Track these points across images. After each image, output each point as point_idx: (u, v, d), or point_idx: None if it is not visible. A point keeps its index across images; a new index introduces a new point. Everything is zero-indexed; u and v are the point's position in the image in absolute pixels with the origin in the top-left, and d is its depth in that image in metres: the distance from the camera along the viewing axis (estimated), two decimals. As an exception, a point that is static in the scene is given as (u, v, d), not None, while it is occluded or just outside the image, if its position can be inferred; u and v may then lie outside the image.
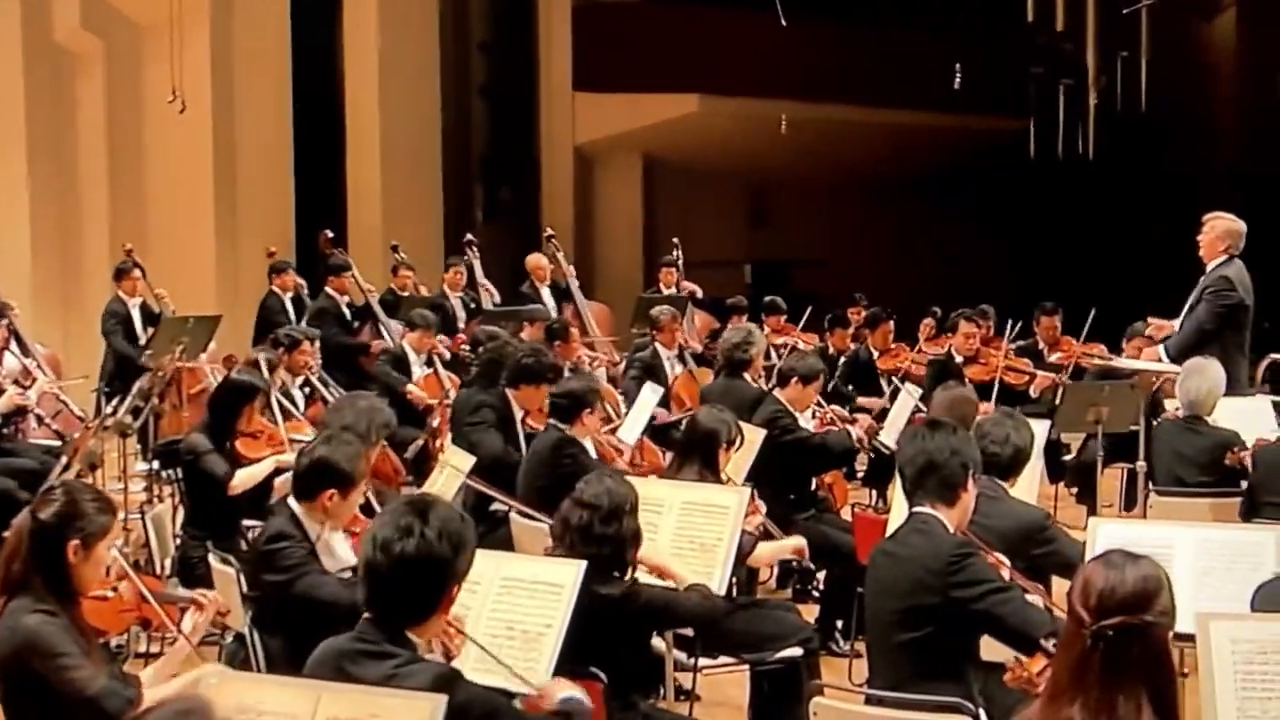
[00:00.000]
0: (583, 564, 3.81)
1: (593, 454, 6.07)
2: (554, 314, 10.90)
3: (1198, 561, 4.12)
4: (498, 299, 11.53)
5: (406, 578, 2.92)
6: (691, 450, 5.32)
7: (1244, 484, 5.89)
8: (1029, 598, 3.84)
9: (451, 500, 5.67)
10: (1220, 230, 7.78)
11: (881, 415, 8.21)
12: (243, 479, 5.90)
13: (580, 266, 12.98)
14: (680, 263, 12.36)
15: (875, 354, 10.06)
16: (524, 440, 6.55)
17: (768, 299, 11.63)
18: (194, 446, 5.99)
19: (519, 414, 6.52)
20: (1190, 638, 3.18)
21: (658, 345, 9.39)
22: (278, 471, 5.91)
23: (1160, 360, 7.59)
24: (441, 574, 2.95)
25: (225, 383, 6.43)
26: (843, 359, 10.32)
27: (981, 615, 3.69)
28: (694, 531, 4.71)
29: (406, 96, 14.38)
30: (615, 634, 3.97)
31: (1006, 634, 3.72)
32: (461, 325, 10.78)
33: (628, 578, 4.09)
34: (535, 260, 11.68)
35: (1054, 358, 9.79)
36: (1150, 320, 8.13)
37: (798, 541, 5.38)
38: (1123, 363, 8.32)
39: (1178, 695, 2.66)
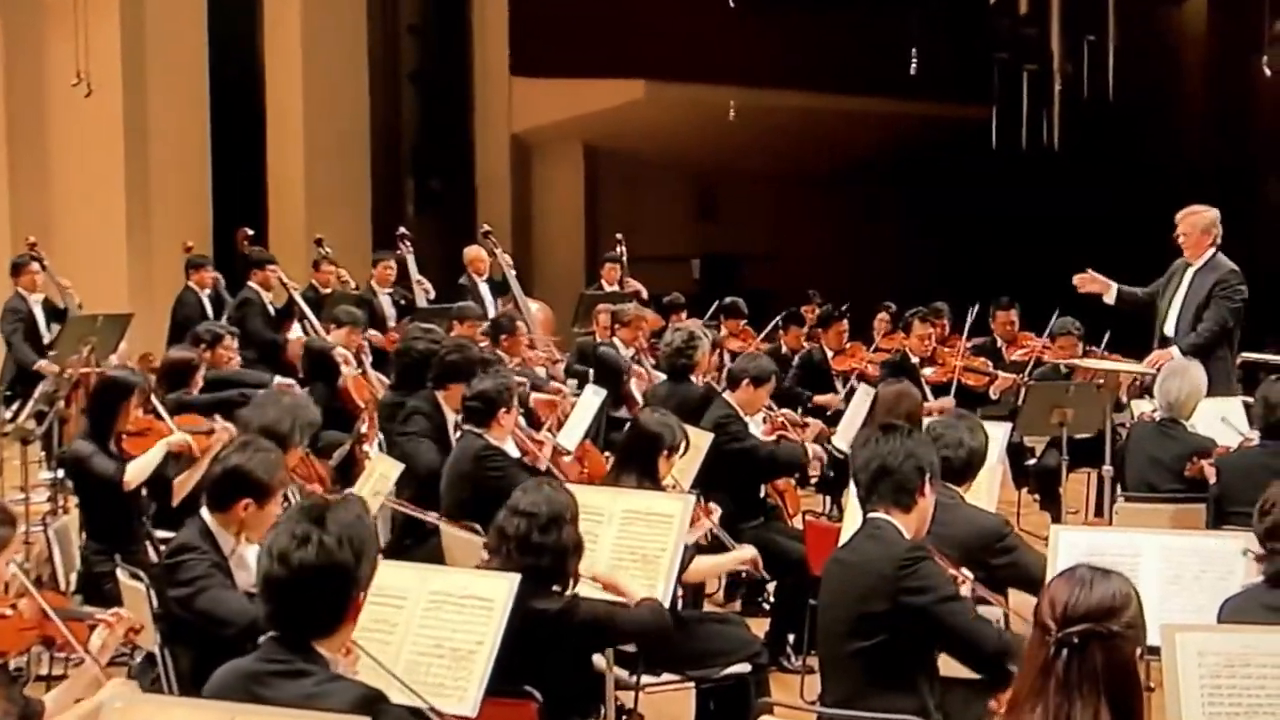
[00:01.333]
0: (516, 577, 3.79)
1: (514, 453, 6.04)
2: (491, 311, 10.86)
3: (1165, 570, 4.15)
4: (433, 296, 11.48)
5: (309, 590, 2.89)
6: (632, 455, 5.30)
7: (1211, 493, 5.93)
8: (985, 609, 3.86)
9: (378, 510, 5.68)
10: (1204, 224, 7.88)
11: (838, 415, 8.25)
12: (135, 471, 5.81)
13: (518, 263, 12.93)
14: (624, 259, 12.35)
15: (829, 354, 10.09)
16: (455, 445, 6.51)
17: (728, 300, 11.60)
18: (77, 452, 5.91)
19: (450, 416, 6.48)
20: (1156, 650, 3.20)
21: (618, 341, 9.41)
22: (176, 461, 5.86)
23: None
24: (345, 581, 2.92)
25: (100, 382, 6.36)
26: (796, 359, 10.35)
27: (928, 622, 3.71)
28: (635, 541, 4.68)
29: (331, 82, 14.28)
30: (552, 651, 3.95)
31: (953, 644, 3.75)
32: (392, 324, 10.71)
33: (568, 591, 4.07)
34: (474, 251, 11.63)
35: (1015, 355, 9.87)
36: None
37: (745, 552, 5.38)
38: (1092, 363, 8.40)
39: (1142, 711, 2.68)
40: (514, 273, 11.63)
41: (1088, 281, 8.10)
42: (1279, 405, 5.70)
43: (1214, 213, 7.93)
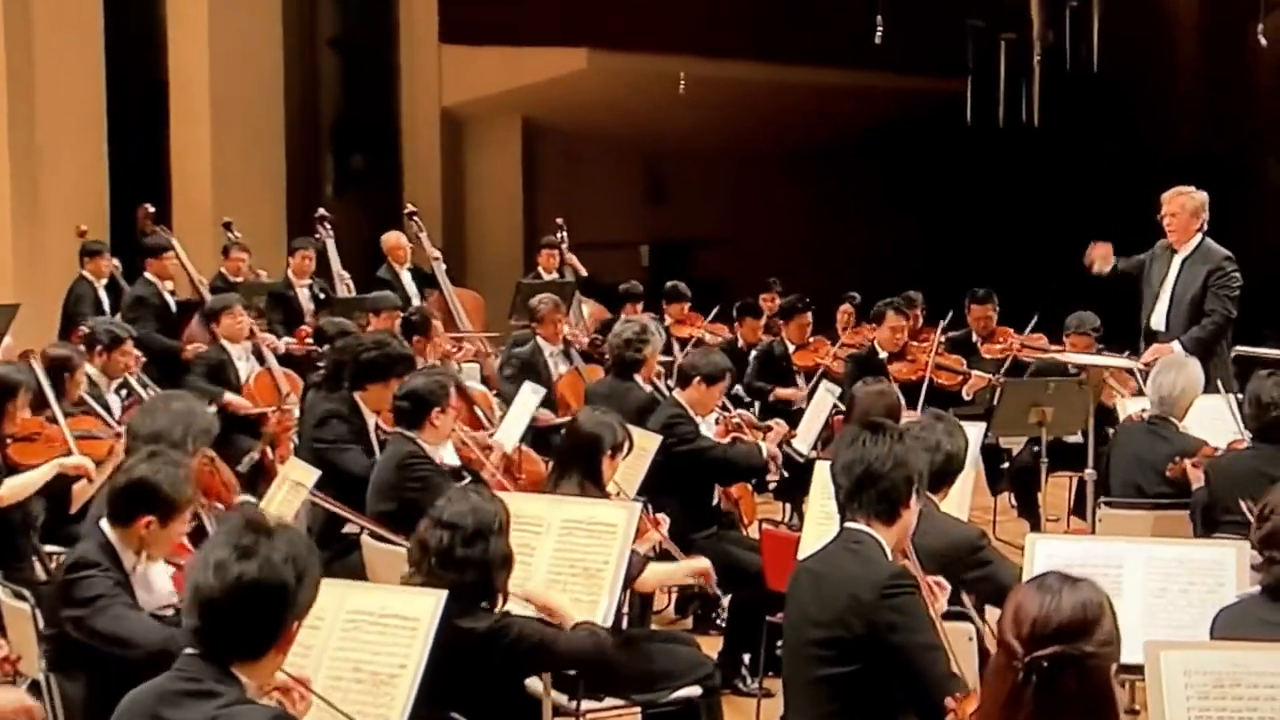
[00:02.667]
0: (442, 594, 3.77)
1: (453, 459, 6.01)
2: (415, 302, 10.81)
3: (1150, 582, 4.19)
4: (353, 293, 11.42)
5: (243, 605, 2.89)
6: (571, 459, 5.30)
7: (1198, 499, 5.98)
8: (956, 625, 3.87)
9: (292, 521, 5.64)
10: (1194, 206, 7.97)
11: (800, 415, 8.27)
12: (13, 488, 5.72)
13: (449, 248, 12.91)
14: (565, 244, 12.34)
15: (791, 348, 10.12)
16: (379, 449, 6.48)
17: (669, 284, 11.67)
18: (-50, 462, 5.82)
19: (370, 419, 6.45)
20: (1139, 669, 3.22)
21: (539, 339, 9.35)
22: (67, 479, 5.78)
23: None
24: (283, 603, 2.93)
25: None
26: (754, 353, 10.37)
27: (898, 662, 3.69)
28: (576, 553, 4.69)
29: (242, 49, 14.16)
30: (481, 674, 3.94)
31: (913, 692, 3.70)
32: (310, 319, 10.64)
33: (497, 609, 4.06)
34: (393, 239, 11.57)
35: (993, 350, 9.92)
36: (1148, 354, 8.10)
37: (698, 564, 5.38)
38: (1073, 357, 8.45)
39: (1122, 735, 2.70)
40: (441, 261, 11.59)
41: (1097, 253, 8.18)
42: (1272, 404, 5.74)
43: (1203, 195, 8.02)
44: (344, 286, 11.42)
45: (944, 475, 4.83)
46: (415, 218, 11.92)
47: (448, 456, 6.00)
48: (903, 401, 6.33)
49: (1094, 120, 17.62)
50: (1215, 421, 6.61)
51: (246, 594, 2.89)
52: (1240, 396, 7.40)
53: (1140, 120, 17.90)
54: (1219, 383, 7.40)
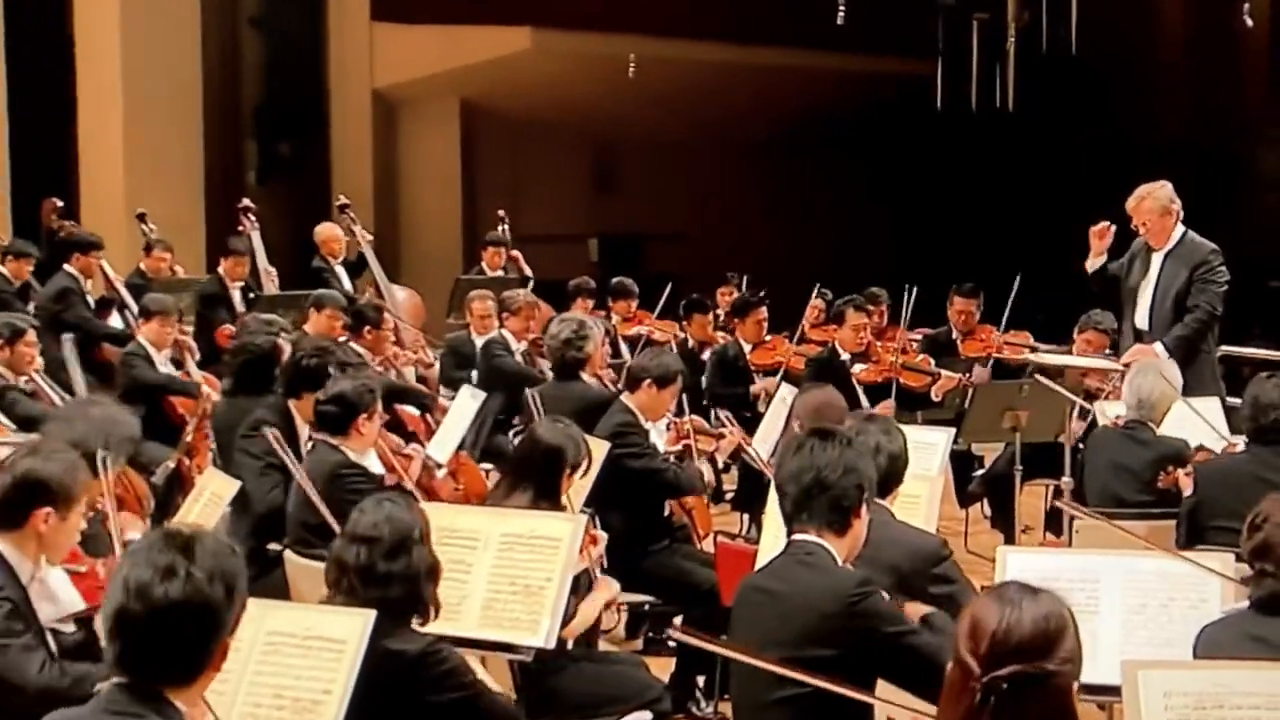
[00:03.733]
0: (371, 614, 3.75)
1: (378, 467, 5.99)
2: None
3: (1128, 598, 4.21)
4: (276, 286, 11.37)
5: (171, 630, 2.84)
6: (527, 472, 5.28)
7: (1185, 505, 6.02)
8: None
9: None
10: (1160, 206, 7.96)
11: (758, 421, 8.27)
12: None
13: (382, 242, 12.84)
14: (508, 239, 12.32)
15: (747, 347, 10.11)
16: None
17: (614, 280, 11.66)
18: None
19: (304, 430, 6.40)
20: (1117, 690, 3.23)
21: (504, 333, 9.37)
22: None
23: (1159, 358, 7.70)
24: (213, 623, 2.89)
25: None
26: (708, 353, 10.36)
27: (889, 651, 3.71)
28: (516, 570, 4.67)
29: (156, 28, 14.08)
30: (411, 700, 3.91)
31: (919, 668, 3.71)
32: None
33: (430, 622, 4.03)
34: (327, 230, 11.54)
35: (973, 348, 9.95)
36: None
37: (610, 590, 5.36)
38: (1055, 358, 8.48)
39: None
40: (374, 255, 11.54)
41: (1103, 234, 8.21)
42: (1271, 406, 5.78)
43: (1166, 188, 8.04)
44: (269, 282, 11.37)
45: (890, 478, 4.83)
46: (347, 210, 11.87)
47: (373, 465, 5.97)
48: (845, 409, 6.31)
49: (1072, 105, 17.74)
50: (1194, 425, 6.65)
51: (174, 617, 2.84)
52: (1225, 399, 7.50)
53: (1121, 106, 18.02)
54: (1205, 384, 7.47)
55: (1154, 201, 7.99)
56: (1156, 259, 8.06)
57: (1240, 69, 18.34)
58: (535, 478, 5.24)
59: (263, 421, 6.35)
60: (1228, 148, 16.86)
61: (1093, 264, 8.25)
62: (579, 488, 5.85)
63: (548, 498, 5.20)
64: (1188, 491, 6.05)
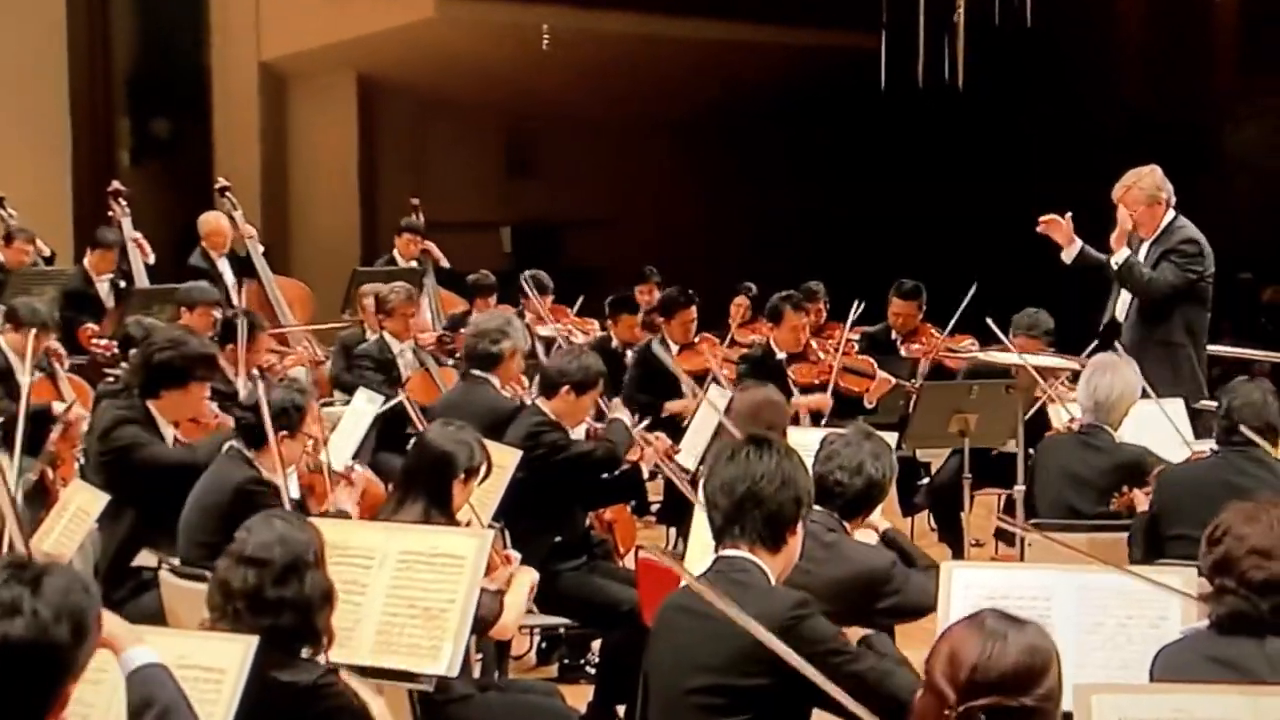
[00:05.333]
0: (252, 641, 3.72)
1: (294, 491, 5.93)
2: (235, 297, 10.70)
3: (1083, 617, 4.24)
4: (152, 259, 11.25)
5: (10, 671, 2.82)
6: (416, 481, 5.26)
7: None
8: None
9: (76, 554, 5.53)
10: (1147, 195, 8.08)
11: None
12: None
13: (269, 230, 12.78)
14: (420, 226, 12.29)
15: (674, 349, 10.12)
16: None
17: (528, 273, 11.65)
18: None
19: (168, 432, 6.35)
20: (1068, 717, 3.25)
21: (385, 335, 9.31)
22: None
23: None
24: (57, 666, 2.87)
25: None
26: (630, 354, 10.37)
27: (830, 679, 3.71)
28: (415, 591, 4.65)
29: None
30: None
31: (864, 698, 3.72)
32: (111, 314, 10.51)
33: (322, 655, 4.01)
34: (212, 222, 11.45)
35: (913, 351, 10.01)
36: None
37: (529, 576, 5.35)
38: (1005, 357, 8.53)
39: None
40: (260, 249, 11.47)
41: (1053, 225, 8.25)
42: (1246, 407, 5.85)
43: (1154, 174, 8.14)
44: (139, 257, 11.23)
45: (862, 502, 4.88)
46: (228, 193, 11.80)
47: (290, 487, 5.90)
48: (787, 410, 6.35)
49: (1027, 82, 17.86)
50: (1155, 428, 6.72)
51: (14, 659, 2.83)
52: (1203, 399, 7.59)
53: (1079, 82, 18.18)
54: (1184, 386, 7.57)
55: (1139, 191, 8.10)
56: (1144, 250, 8.17)
57: (1209, 41, 18.54)
58: (425, 487, 5.22)
59: (122, 420, 6.29)
60: (1195, 126, 17.02)
61: (1068, 254, 8.30)
62: (486, 498, 5.85)
63: (439, 507, 5.18)
64: (1142, 507, 6.11)
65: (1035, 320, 8.83)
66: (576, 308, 11.55)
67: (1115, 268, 8.10)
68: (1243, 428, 5.79)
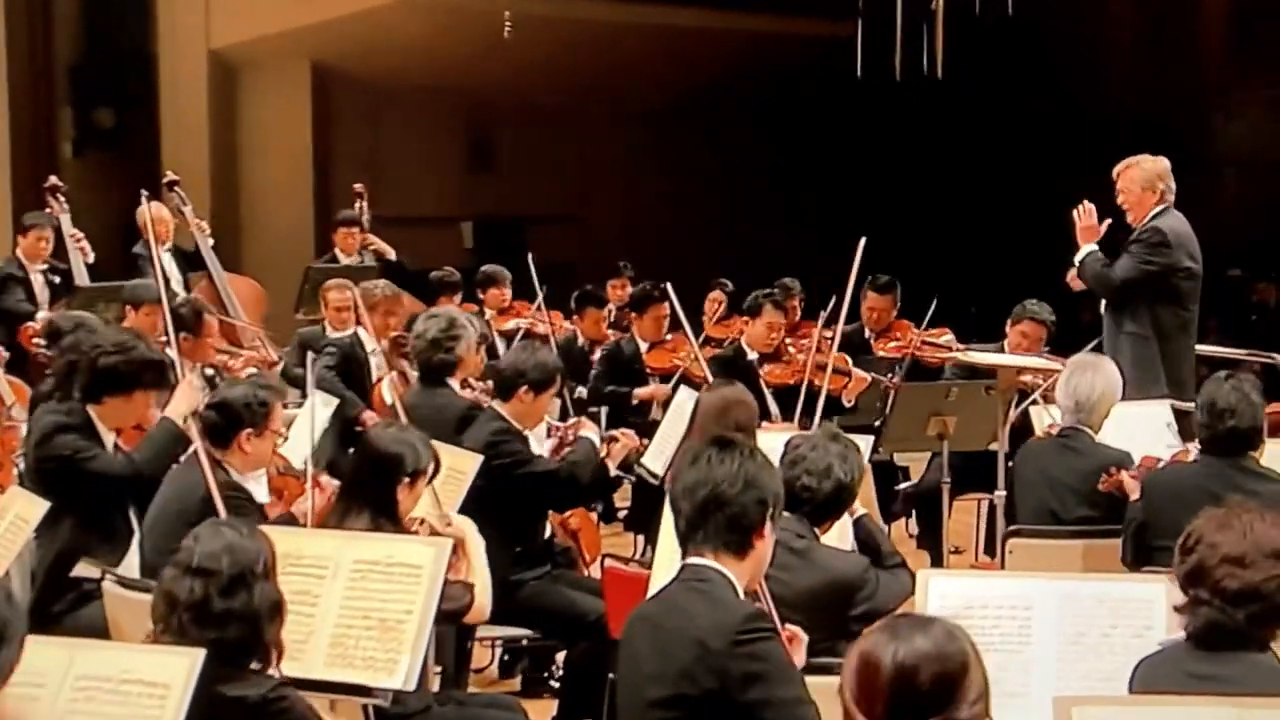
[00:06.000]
0: (199, 654, 3.71)
1: (263, 493, 5.90)
2: (179, 291, 10.65)
3: (1065, 626, 4.25)
4: (91, 259, 11.18)
5: None
6: (360, 487, 5.24)
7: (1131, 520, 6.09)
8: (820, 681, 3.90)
9: (13, 562, 5.50)
10: (1144, 178, 8.13)
11: (654, 428, 8.28)
12: None
13: (220, 226, 12.71)
14: (366, 218, 12.25)
15: (643, 346, 10.13)
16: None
17: (487, 268, 11.63)
18: None
19: (108, 438, 6.32)
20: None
21: (361, 332, 9.31)
22: None
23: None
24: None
25: None
26: (599, 352, 10.37)
27: (757, 715, 3.70)
28: (371, 602, 4.64)
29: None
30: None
31: None
32: (45, 310, 10.45)
33: (271, 670, 4.00)
34: (153, 211, 11.34)
35: (887, 348, 10.02)
36: None
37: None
38: (985, 356, 8.56)
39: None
40: (207, 243, 11.43)
41: (1089, 219, 8.28)
42: (1228, 411, 5.85)
43: (1160, 163, 8.20)
44: (78, 254, 11.14)
45: (831, 507, 4.89)
46: (177, 188, 11.75)
47: (257, 492, 5.87)
48: (756, 410, 6.35)
49: (1008, 73, 17.92)
50: (1137, 431, 6.74)
51: None
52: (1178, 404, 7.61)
53: (1063, 73, 18.24)
54: (1156, 385, 7.60)
55: (1140, 171, 8.16)
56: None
57: (1198, 31, 18.62)
58: (370, 493, 5.21)
59: (60, 426, 6.25)
60: (1184, 120, 17.08)
61: (1081, 256, 8.31)
62: (444, 505, 5.84)
63: (385, 514, 5.16)
64: (1134, 496, 6.12)
65: (1035, 310, 8.96)
66: (538, 303, 11.50)
67: (1076, 265, 8.15)
68: (1235, 437, 5.82)
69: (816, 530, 4.90)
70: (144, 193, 10.25)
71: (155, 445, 6.15)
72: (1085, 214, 8.29)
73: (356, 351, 9.23)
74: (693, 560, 3.94)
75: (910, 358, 9.79)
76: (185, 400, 6.22)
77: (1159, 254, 8.07)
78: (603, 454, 6.87)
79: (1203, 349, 9.11)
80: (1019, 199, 17.25)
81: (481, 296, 11.47)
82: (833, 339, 9.93)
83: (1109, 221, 8.30)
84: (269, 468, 6.03)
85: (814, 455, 4.90)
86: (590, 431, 6.90)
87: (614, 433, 7.21)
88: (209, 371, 8.45)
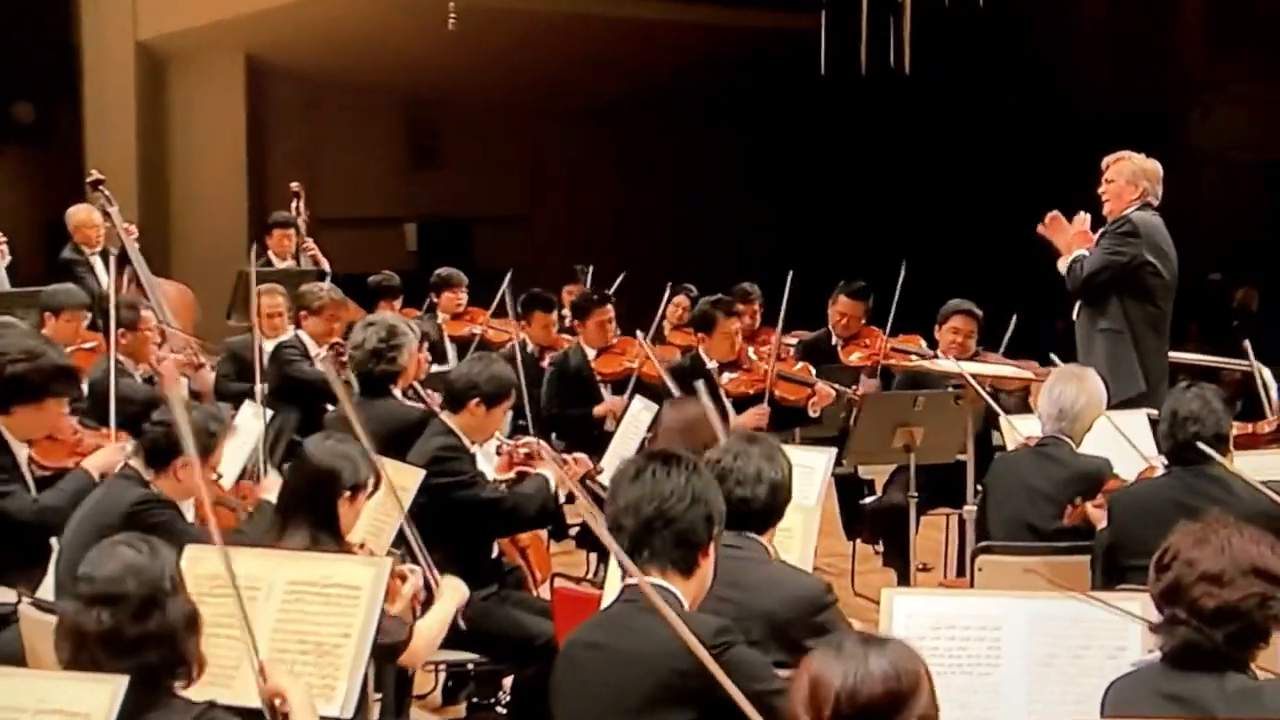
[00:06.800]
0: (121, 682, 3.68)
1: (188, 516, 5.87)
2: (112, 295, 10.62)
3: (1035, 647, 4.24)
4: (8, 260, 11.14)
5: None
6: (298, 502, 5.21)
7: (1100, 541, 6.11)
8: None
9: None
10: (1130, 172, 8.20)
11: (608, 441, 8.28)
12: None
13: (150, 226, 12.68)
14: (303, 222, 12.21)
15: (591, 354, 10.10)
16: (34, 487, 6.30)
17: (440, 272, 11.60)
18: None
19: (21, 452, 6.28)
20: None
21: (303, 335, 9.29)
22: None
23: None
24: None
25: None
26: (549, 360, 10.34)
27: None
28: (306, 625, 4.62)
29: None
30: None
31: None
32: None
33: (194, 680, 3.96)
34: (81, 215, 11.37)
35: (854, 357, 10.02)
36: None
37: (458, 595, 5.35)
38: (956, 365, 8.56)
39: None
40: (134, 245, 11.38)
41: (1055, 227, 8.31)
42: (1190, 418, 5.88)
43: (1152, 163, 8.28)
44: (2, 278, 11.13)
45: (771, 510, 4.86)
46: (102, 187, 11.70)
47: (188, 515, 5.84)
48: (719, 426, 6.35)
49: (978, 68, 17.98)
50: (1118, 442, 6.76)
51: None
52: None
53: (1035, 67, 18.32)
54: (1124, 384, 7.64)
55: (1130, 165, 8.25)
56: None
57: (1173, 23, 18.72)
58: (308, 509, 5.18)
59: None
60: (1158, 114, 17.18)
61: (1064, 264, 8.33)
62: (384, 523, 5.82)
63: (326, 530, 5.13)
64: (1100, 525, 6.14)
65: (960, 304, 9.07)
66: (491, 309, 11.46)
67: (1066, 271, 8.19)
68: (1200, 444, 5.83)
69: (761, 539, 4.85)
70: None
71: (64, 496, 6.12)
72: (1079, 222, 8.33)
73: (305, 355, 9.24)
74: (637, 580, 3.93)
75: (878, 366, 9.79)
76: (107, 458, 6.23)
77: (1126, 244, 8.11)
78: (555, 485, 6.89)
79: (1181, 356, 9.15)
80: (992, 199, 17.32)
81: (435, 300, 11.43)
82: (793, 347, 9.97)
83: (1084, 216, 8.33)
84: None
85: (739, 464, 4.86)
86: (550, 468, 6.86)
87: (565, 455, 7.20)
88: (145, 374, 8.47)
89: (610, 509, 4.05)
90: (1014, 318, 9.96)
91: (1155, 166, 8.30)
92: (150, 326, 8.79)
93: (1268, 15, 16.74)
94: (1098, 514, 6.19)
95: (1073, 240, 8.30)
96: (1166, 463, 6.06)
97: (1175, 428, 5.90)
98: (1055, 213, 8.38)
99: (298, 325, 9.53)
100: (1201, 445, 5.82)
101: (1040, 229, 8.37)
